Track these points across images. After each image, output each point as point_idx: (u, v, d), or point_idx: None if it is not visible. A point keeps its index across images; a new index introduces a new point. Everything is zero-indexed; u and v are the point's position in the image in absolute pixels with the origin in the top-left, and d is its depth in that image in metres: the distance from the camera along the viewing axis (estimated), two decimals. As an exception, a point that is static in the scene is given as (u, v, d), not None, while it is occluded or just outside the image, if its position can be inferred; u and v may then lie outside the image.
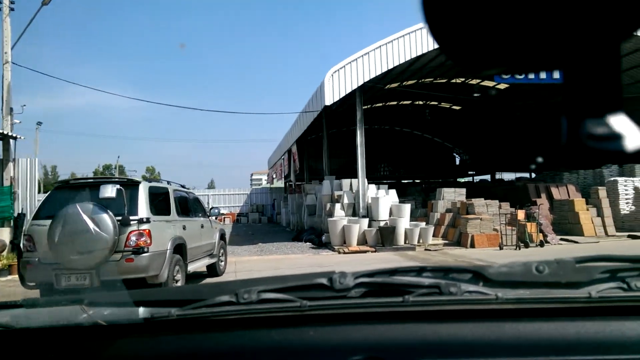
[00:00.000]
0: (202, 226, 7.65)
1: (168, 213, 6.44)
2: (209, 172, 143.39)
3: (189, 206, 7.49)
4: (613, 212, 15.54)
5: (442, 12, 0.41)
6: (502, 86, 24.07)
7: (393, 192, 14.79)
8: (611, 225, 14.02)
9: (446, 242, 13.86)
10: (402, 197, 23.61)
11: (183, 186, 7.81)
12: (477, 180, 32.29)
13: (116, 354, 1.00)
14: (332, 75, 13.43)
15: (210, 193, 34.33)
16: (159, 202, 6.36)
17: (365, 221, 13.36)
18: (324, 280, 1.04)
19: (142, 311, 1.06)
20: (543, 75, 15.06)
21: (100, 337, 1.03)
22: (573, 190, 16.15)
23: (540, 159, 25.37)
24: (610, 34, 0.39)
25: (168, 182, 7.12)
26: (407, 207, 13.67)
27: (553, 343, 0.89)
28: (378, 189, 15.14)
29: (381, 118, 32.64)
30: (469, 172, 35.20)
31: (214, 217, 8.78)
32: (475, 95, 21.33)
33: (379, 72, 13.63)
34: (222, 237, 8.88)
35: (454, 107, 29.38)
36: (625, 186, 15.48)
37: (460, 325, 0.95)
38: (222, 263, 8.88)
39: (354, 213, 14.34)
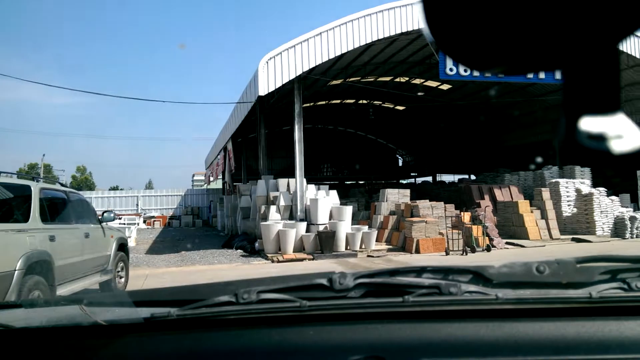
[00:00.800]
0: (86, 235, 5.96)
1: (25, 219, 4.74)
2: (148, 173, 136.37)
3: (68, 211, 5.78)
4: (556, 214, 15.32)
5: (443, 12, 0.41)
6: (445, 87, 23.78)
7: (334, 193, 13.60)
8: (555, 228, 13.69)
9: (390, 247, 12.87)
10: (345, 198, 22.61)
11: (64, 185, 6.07)
12: (419, 182, 32.09)
13: (116, 354, 0.99)
14: (267, 63, 12.01)
15: (141, 194, 31.65)
16: (10, 205, 4.67)
17: (303, 225, 12.05)
18: (323, 281, 1.05)
19: (141, 311, 1.05)
20: (488, 74, 14.54)
21: (100, 337, 1.02)
22: (516, 192, 15.81)
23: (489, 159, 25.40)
24: (608, 34, 0.39)
25: (33, 178, 5.40)
26: (348, 210, 12.53)
27: (553, 343, 0.89)
28: (318, 189, 13.91)
29: (325, 117, 31.65)
30: (412, 174, 35.03)
31: (110, 224, 7.08)
32: (420, 94, 20.68)
33: (319, 62, 12.38)
34: (122, 247, 7.20)
35: (398, 107, 28.91)
36: (567, 188, 15.31)
37: (460, 326, 0.95)
38: (122, 279, 7.19)
39: (292, 216, 12.99)
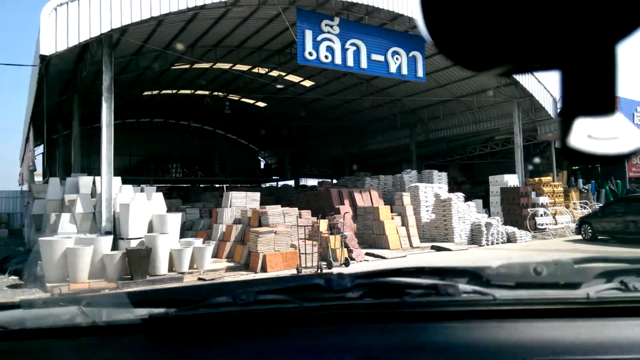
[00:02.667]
0: None
1: None
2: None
3: None
4: (415, 221, 14.36)
5: (441, 13, 0.41)
6: (308, 83, 22.11)
7: (159, 196, 10.48)
8: (416, 235, 12.57)
9: (231, 264, 10.23)
10: (191, 202, 19.36)
11: None
12: (281, 185, 30.17)
13: (114, 355, 0.99)
14: (56, 11, 8.47)
15: None
16: None
17: (107, 240, 8.73)
18: (321, 282, 1.05)
19: (140, 312, 1.05)
20: (350, 62, 12.90)
21: (98, 337, 1.02)
22: (376, 196, 14.54)
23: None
24: (607, 34, 0.39)
25: None
26: (173, 219, 9.56)
27: (551, 344, 0.89)
28: (142, 191, 10.65)
29: (176, 110, 27.82)
30: (274, 177, 32.98)
31: None
32: (279, 87, 18.53)
33: (129, 20, 9.20)
34: None
35: (259, 103, 26.56)
36: (426, 193, 14.49)
37: (458, 326, 0.95)
38: None
39: (97, 228, 9.53)
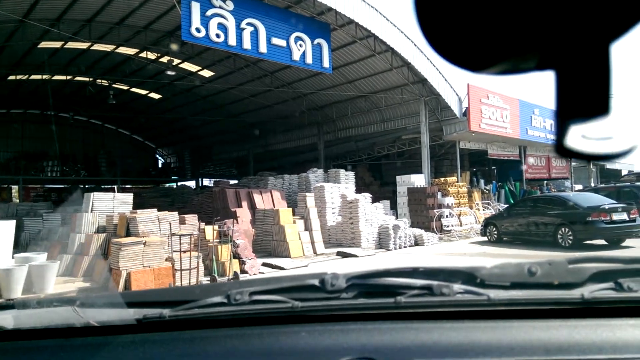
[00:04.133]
0: None
1: None
2: None
3: None
4: (320, 224, 13.09)
5: (436, 12, 0.41)
6: (207, 73, 20.03)
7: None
8: (320, 240, 11.27)
9: (88, 284, 8.05)
10: (60, 205, 16.30)
11: None
12: (178, 186, 27.49)
13: (108, 355, 0.99)
14: None
15: None
16: None
17: None
18: (315, 282, 1.04)
19: (134, 312, 1.06)
20: (247, 44, 11.26)
21: (93, 338, 1.02)
22: (278, 198, 13.07)
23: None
24: (601, 34, 0.40)
25: None
26: (1, 228, 7.21)
27: (545, 344, 0.89)
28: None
29: (56, 100, 23.99)
30: (173, 177, 30.11)
31: None
32: (170, 73, 16.28)
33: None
34: None
35: (153, 94, 23.78)
36: (332, 193, 13.32)
37: (452, 326, 0.94)
38: None
39: None
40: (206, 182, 29.81)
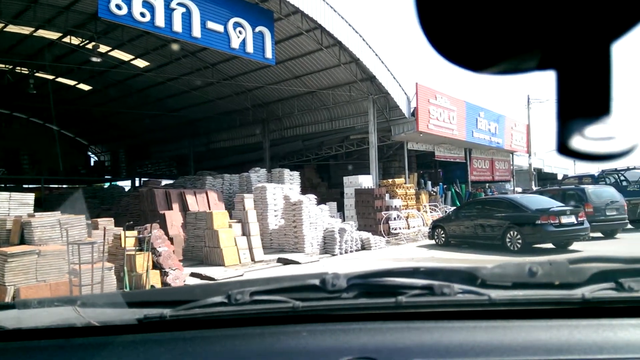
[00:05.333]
0: None
1: None
2: None
3: None
4: (262, 227, 12.10)
5: (437, 12, 0.41)
6: (141, 63, 18.41)
7: None
8: (259, 246, 10.25)
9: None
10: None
11: None
12: (109, 186, 25.40)
13: (109, 355, 0.98)
14: None
15: None
16: None
17: None
18: (316, 282, 1.04)
19: (135, 312, 1.05)
20: (178, 27, 10.05)
21: (94, 338, 1.02)
22: (215, 199, 11.91)
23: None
24: (603, 33, 0.40)
25: None
26: None
27: (546, 344, 0.88)
28: None
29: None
30: (107, 177, 27.86)
31: None
32: (94, 59, 14.64)
33: None
34: None
35: (82, 86, 21.71)
36: (275, 194, 12.34)
37: (453, 326, 0.94)
38: None
39: None
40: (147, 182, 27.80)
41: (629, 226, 13.39)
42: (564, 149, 0.43)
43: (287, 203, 11.75)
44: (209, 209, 11.40)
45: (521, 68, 0.44)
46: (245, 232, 10.15)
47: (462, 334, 0.91)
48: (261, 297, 1.01)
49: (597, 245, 11.02)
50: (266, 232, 12.11)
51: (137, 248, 7.82)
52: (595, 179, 16.79)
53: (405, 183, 17.41)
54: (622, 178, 16.38)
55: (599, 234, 12.27)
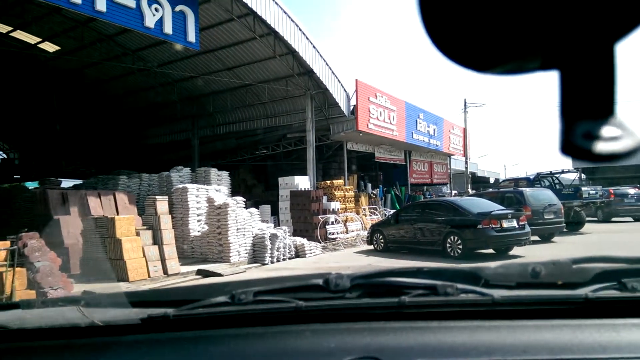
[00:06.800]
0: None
1: None
2: None
3: None
4: (182, 234, 10.69)
5: (440, 12, 0.41)
6: (51, 47, 16.19)
7: None
8: (174, 257, 8.82)
9: None
10: None
11: None
12: (10, 186, 22.46)
13: (113, 355, 0.98)
14: None
15: None
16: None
17: None
18: (319, 282, 1.04)
19: (138, 312, 1.05)
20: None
21: (97, 337, 1.01)
22: (125, 202, 10.32)
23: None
24: (606, 34, 0.40)
25: None
26: None
27: (549, 344, 0.88)
28: None
29: None
30: (15, 176, 24.76)
31: None
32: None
33: None
34: None
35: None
36: (198, 197, 10.96)
37: (456, 326, 0.94)
38: None
39: None
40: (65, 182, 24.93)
41: (564, 229, 13.36)
42: (567, 148, 0.43)
43: (210, 206, 10.40)
44: (117, 214, 9.81)
45: (525, 68, 0.44)
46: (158, 241, 8.70)
47: (465, 334, 0.92)
48: (264, 297, 1.02)
49: (536, 250, 10.68)
50: (187, 239, 10.70)
51: (8, 263, 6.23)
52: (531, 182, 16.87)
53: (344, 185, 16.57)
54: (556, 181, 16.57)
55: (536, 238, 12.05)
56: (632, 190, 19.03)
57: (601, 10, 0.38)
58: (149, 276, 8.23)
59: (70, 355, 0.98)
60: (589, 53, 0.41)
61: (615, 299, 0.97)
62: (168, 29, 10.04)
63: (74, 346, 1.00)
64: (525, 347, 0.86)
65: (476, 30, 0.41)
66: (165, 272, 8.56)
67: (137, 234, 8.37)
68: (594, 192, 15.69)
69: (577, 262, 1.08)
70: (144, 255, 8.27)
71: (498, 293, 0.96)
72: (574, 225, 14.13)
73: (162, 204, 8.95)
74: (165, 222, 8.81)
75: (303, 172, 15.94)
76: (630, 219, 18.55)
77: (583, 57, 0.41)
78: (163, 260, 8.59)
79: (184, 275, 8.85)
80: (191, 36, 10.61)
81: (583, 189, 15.60)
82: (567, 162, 19.80)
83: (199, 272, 9.05)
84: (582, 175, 18.00)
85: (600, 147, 0.42)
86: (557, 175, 16.87)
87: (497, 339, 0.89)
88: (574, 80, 0.42)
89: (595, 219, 17.47)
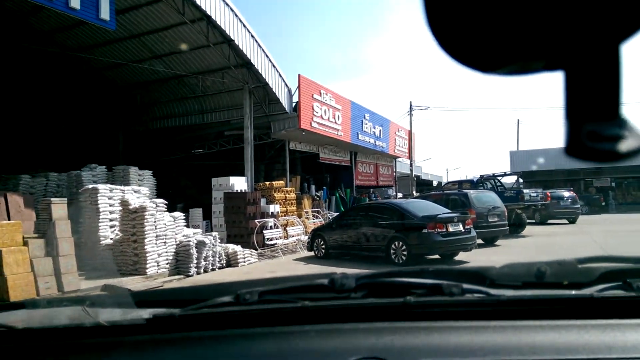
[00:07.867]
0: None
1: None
2: None
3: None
4: (92, 243, 9.22)
5: (445, 12, 0.41)
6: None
7: None
8: (72, 271, 7.39)
9: None
10: None
11: None
12: None
13: (118, 355, 0.97)
14: None
15: None
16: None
17: None
18: (325, 282, 1.04)
19: (143, 312, 1.05)
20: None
21: (102, 337, 1.01)
22: (20, 205, 8.70)
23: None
24: (612, 34, 0.40)
25: None
26: None
27: (555, 343, 0.87)
28: None
29: None
30: None
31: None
32: None
33: None
34: None
35: None
36: (111, 199, 9.52)
37: (461, 326, 0.93)
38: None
39: None
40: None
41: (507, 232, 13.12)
42: (572, 149, 0.43)
43: (125, 210, 9.00)
44: (8, 219, 8.21)
45: (529, 69, 0.43)
46: (53, 252, 7.25)
47: (470, 333, 0.91)
48: (270, 297, 1.02)
49: (481, 254, 10.19)
50: (98, 248, 9.23)
51: None
52: (474, 184, 16.69)
53: (286, 186, 15.55)
54: (499, 184, 16.47)
55: (480, 241, 11.66)
56: (566, 193, 19.49)
57: (606, 10, 0.37)
58: (38, 294, 6.78)
59: (75, 356, 0.97)
60: (594, 54, 0.41)
61: (621, 299, 0.98)
62: (75, 3, 8.57)
63: (79, 346, 0.99)
64: (531, 347, 0.86)
65: (482, 31, 0.40)
66: (60, 289, 7.12)
67: (24, 244, 6.89)
68: (534, 194, 15.72)
69: (582, 262, 1.09)
70: (32, 270, 6.81)
71: (504, 293, 0.97)
72: (515, 227, 13.99)
73: (58, 207, 7.49)
74: (63, 230, 7.36)
75: (244, 173, 14.76)
76: (565, 220, 18.95)
77: (588, 57, 0.41)
78: (58, 275, 7.15)
79: (84, 292, 7.45)
80: (105, 13, 9.18)
81: (524, 191, 15.57)
82: (505, 166, 19.95)
83: (105, 288, 7.67)
84: (520, 179, 18.08)
85: (606, 147, 0.42)
86: (499, 178, 16.80)
87: (503, 339, 0.89)
88: (579, 81, 0.42)
89: (533, 221, 17.62)
